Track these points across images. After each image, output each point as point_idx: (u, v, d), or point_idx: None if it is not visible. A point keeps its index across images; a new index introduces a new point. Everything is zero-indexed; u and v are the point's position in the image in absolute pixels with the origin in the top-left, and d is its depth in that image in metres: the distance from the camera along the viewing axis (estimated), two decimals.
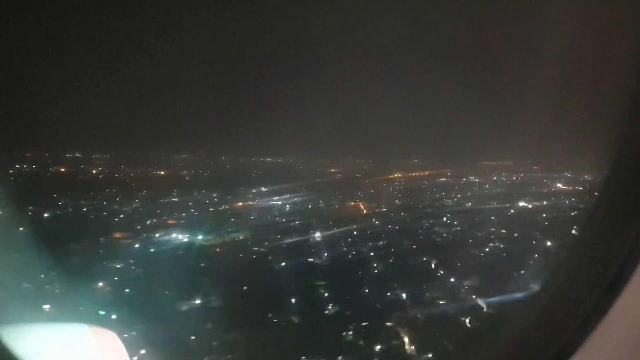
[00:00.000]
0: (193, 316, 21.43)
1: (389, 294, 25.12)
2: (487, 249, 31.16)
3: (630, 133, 2.33)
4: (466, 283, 26.15)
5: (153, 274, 25.59)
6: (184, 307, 22.34)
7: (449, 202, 44.97)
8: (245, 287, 24.75)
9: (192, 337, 19.95)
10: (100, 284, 24.05)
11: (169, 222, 37.33)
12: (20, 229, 25.12)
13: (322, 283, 26.56)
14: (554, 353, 2.28)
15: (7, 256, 19.10)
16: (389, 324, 21.55)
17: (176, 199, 44.23)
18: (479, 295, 24.73)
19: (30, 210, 34.13)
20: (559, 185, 47.95)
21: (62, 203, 39.49)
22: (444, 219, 38.87)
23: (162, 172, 57.57)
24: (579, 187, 43.70)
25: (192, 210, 41.02)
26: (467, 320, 22.24)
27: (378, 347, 19.93)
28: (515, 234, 33.77)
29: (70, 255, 27.09)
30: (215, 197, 44.80)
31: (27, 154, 54.92)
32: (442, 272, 27.95)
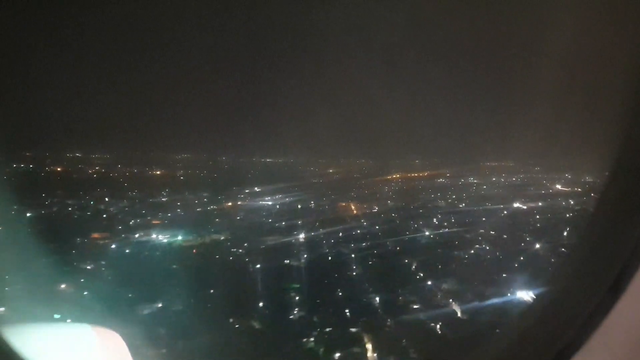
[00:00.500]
0: (150, 320, 20.67)
1: (361, 298, 24.23)
2: (472, 251, 30.16)
3: (632, 134, 2.34)
4: (444, 286, 25.16)
5: (122, 276, 24.98)
6: (144, 311, 21.62)
7: (443, 203, 43.99)
8: (212, 290, 23.95)
9: (144, 343, 19.19)
10: (63, 285, 23.43)
11: (153, 222, 36.85)
12: None
13: (296, 286, 25.73)
14: (556, 352, 2.29)
15: None
16: (353, 329, 20.57)
17: (165, 199, 43.77)
18: (455, 300, 23.75)
19: (14, 210, 33.84)
20: (558, 186, 46.77)
21: (48, 202, 39.24)
22: (434, 220, 37.82)
23: (158, 172, 57.40)
24: (577, 189, 42.78)
25: (179, 210, 40.45)
26: (438, 327, 21.26)
27: (337, 355, 18.96)
28: (505, 236, 32.73)
29: (41, 256, 26.57)
30: (205, 198, 44.28)
31: (27, 153, 55.21)
32: (421, 274, 26.98)
